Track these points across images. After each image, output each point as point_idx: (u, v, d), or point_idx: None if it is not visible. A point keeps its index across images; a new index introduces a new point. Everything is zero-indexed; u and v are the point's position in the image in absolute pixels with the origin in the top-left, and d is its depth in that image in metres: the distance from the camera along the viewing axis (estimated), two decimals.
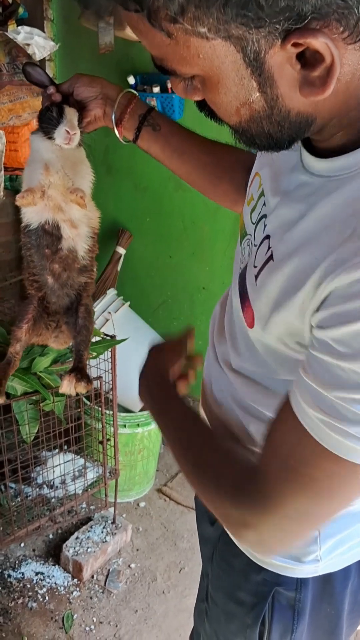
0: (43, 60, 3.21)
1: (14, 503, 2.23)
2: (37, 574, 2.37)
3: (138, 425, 2.57)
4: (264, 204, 0.84)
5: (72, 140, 1.03)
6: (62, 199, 1.08)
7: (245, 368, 0.90)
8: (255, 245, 0.83)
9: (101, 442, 2.35)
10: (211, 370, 1.03)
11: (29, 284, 1.20)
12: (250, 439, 0.93)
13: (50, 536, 2.55)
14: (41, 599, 2.27)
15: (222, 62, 0.61)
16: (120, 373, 2.28)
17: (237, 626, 1.05)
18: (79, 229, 1.14)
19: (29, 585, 2.32)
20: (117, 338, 2.19)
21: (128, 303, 2.80)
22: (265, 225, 0.81)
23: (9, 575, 2.35)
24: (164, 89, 2.95)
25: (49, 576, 2.37)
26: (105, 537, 2.44)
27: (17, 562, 2.41)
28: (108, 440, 2.34)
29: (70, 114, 1.02)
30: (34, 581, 2.34)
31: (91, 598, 2.31)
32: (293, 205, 0.75)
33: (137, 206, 3.43)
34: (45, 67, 3.28)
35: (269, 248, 0.77)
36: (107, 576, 2.40)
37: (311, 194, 0.73)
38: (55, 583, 2.34)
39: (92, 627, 2.19)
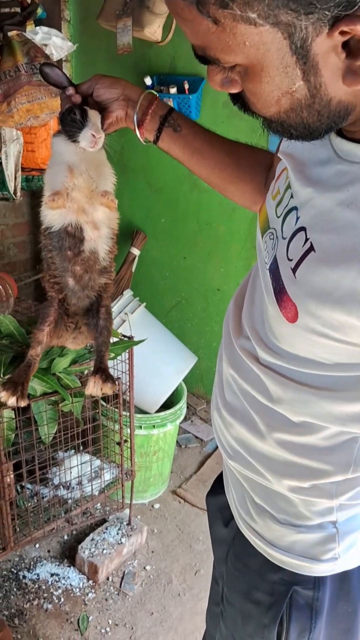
0: (60, 61, 3.21)
1: (30, 504, 2.23)
2: (52, 575, 2.37)
3: (154, 426, 2.56)
4: (292, 197, 0.83)
5: (97, 144, 1.03)
6: (85, 201, 1.08)
7: (274, 363, 0.89)
8: (284, 239, 0.82)
9: (118, 444, 2.34)
10: (234, 365, 0.99)
11: (49, 286, 1.19)
12: (270, 427, 0.92)
13: (65, 537, 2.54)
14: (56, 601, 2.26)
15: (267, 49, 0.62)
16: (136, 374, 2.27)
17: (254, 627, 1.04)
18: (100, 231, 1.13)
19: (44, 587, 2.31)
20: (135, 339, 2.18)
21: (144, 304, 2.80)
22: (298, 217, 0.80)
23: (24, 577, 2.34)
24: (180, 90, 2.94)
25: (64, 577, 2.36)
26: (120, 539, 2.43)
27: (32, 563, 2.41)
28: (125, 441, 2.34)
29: (95, 117, 1.02)
30: (49, 582, 2.33)
31: (106, 600, 2.30)
32: (332, 195, 0.74)
33: (152, 207, 3.43)
34: (62, 67, 3.28)
35: (307, 239, 0.76)
36: (122, 578, 2.39)
37: (351, 181, 0.72)
38: (70, 584, 2.33)
39: (108, 629, 2.18)
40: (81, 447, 2.30)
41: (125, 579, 2.39)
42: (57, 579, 2.35)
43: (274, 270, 0.83)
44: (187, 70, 3.03)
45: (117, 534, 2.45)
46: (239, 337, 0.98)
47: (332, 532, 0.92)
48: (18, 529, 2.12)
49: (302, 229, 0.78)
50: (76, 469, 2.35)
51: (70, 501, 2.33)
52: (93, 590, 2.32)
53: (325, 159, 0.78)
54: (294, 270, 0.78)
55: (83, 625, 2.18)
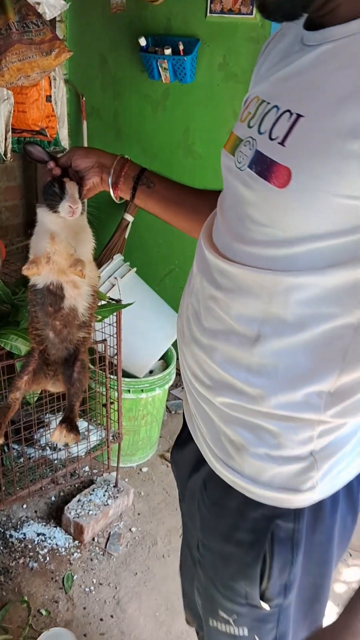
0: (53, 20, 3.15)
1: (16, 464, 2.24)
2: (38, 535, 2.39)
3: (142, 390, 2.57)
4: (268, 104, 0.89)
5: (75, 213, 1.13)
6: (65, 264, 1.18)
7: (259, 256, 0.88)
8: (263, 132, 0.86)
9: (105, 406, 2.35)
10: (215, 283, 0.97)
11: (31, 337, 1.29)
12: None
13: (52, 498, 2.56)
14: (42, 560, 2.29)
15: None
16: (125, 338, 2.27)
17: (235, 568, 1.05)
18: (80, 289, 1.24)
19: (30, 546, 2.34)
20: (123, 303, 2.17)
21: (134, 269, 2.78)
22: (278, 108, 0.85)
23: (11, 536, 2.37)
24: (175, 51, 2.89)
25: (50, 537, 2.39)
26: (107, 501, 2.45)
27: (19, 523, 2.43)
28: (112, 403, 2.34)
29: (72, 188, 1.13)
30: (35, 542, 2.36)
31: (91, 560, 2.33)
32: (305, 69, 0.84)
33: None
34: (56, 27, 3.22)
35: (292, 114, 0.81)
36: (107, 539, 2.42)
37: (326, 58, 0.81)
38: (56, 544, 2.36)
39: (92, 588, 2.21)
40: None
41: (111, 539, 2.41)
42: (43, 539, 2.38)
43: (256, 160, 0.86)
44: (183, 32, 2.98)
45: (104, 495, 2.47)
46: (215, 253, 0.97)
47: (310, 461, 0.93)
48: (4, 488, 2.14)
49: (286, 111, 0.83)
50: None
51: (56, 462, 2.35)
52: (78, 550, 2.35)
53: (294, 56, 0.89)
54: (282, 142, 0.81)
55: (67, 584, 2.20)
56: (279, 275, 0.85)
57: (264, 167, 0.84)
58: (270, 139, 0.84)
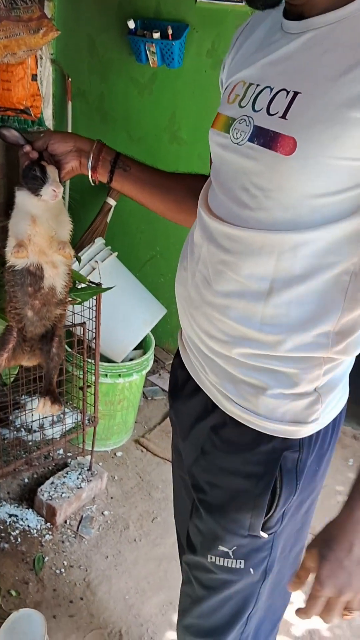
0: (43, 0, 3.11)
1: None
2: (10, 516, 2.39)
3: (119, 375, 2.57)
4: (257, 86, 0.99)
5: (58, 196, 1.17)
6: (46, 245, 1.21)
7: (268, 219, 0.96)
8: (259, 110, 0.96)
9: (81, 389, 2.34)
10: (223, 248, 1.05)
11: (10, 317, 1.32)
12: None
13: (26, 480, 2.56)
14: (13, 541, 2.29)
15: None
16: (104, 322, 2.26)
17: (244, 500, 1.14)
18: (58, 269, 1.27)
19: (1, 527, 2.33)
20: (103, 287, 2.16)
21: (116, 253, 2.77)
22: (272, 89, 0.95)
23: None
24: (164, 35, 2.86)
25: (22, 519, 2.38)
26: (80, 484, 2.45)
27: None
28: (88, 387, 2.34)
29: (53, 172, 1.16)
30: (7, 523, 2.35)
31: (63, 542, 2.33)
32: (295, 57, 0.94)
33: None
34: (44, 6, 3.17)
35: (288, 92, 0.92)
36: (80, 522, 2.42)
37: (311, 45, 0.92)
38: (28, 526, 2.36)
39: (62, 570, 2.22)
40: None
41: (83, 522, 2.42)
42: (15, 520, 2.37)
43: (257, 134, 0.95)
44: (172, 16, 2.95)
45: (78, 478, 2.47)
46: (220, 220, 1.04)
47: (315, 396, 1.06)
48: None
49: (281, 90, 0.93)
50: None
51: (31, 444, 2.34)
52: (50, 533, 2.35)
53: (276, 43, 0.99)
54: (283, 116, 0.91)
55: (38, 565, 2.21)
56: (287, 234, 0.94)
57: (267, 138, 0.93)
58: (269, 114, 0.94)
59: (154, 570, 2.27)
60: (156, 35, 2.87)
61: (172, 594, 2.18)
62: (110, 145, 1.26)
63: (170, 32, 2.84)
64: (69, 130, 3.51)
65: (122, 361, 2.72)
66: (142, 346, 2.84)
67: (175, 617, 2.08)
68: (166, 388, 3.34)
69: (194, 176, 1.32)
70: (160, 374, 3.49)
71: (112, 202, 3.37)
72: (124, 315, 2.67)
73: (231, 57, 1.16)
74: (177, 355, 1.33)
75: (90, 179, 1.26)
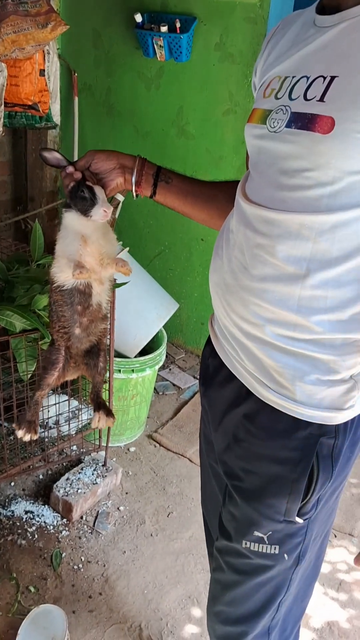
0: None
1: (7, 441, 2.23)
2: (27, 512, 2.39)
3: (132, 371, 2.57)
4: (293, 77, 1.01)
5: (107, 216, 1.20)
6: (96, 263, 1.24)
7: (310, 198, 0.98)
8: (296, 98, 0.98)
9: None
10: (261, 230, 1.06)
11: (58, 336, 1.35)
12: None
13: (41, 477, 2.56)
14: (30, 537, 2.29)
15: None
16: (117, 318, 2.26)
17: (280, 486, 1.15)
18: (104, 285, 1.31)
19: (18, 523, 2.34)
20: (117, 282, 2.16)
21: (127, 249, 2.76)
22: (308, 78, 0.97)
23: None
24: (172, 29, 2.85)
25: (38, 515, 2.38)
26: (95, 479, 2.46)
27: (7, 500, 2.43)
28: (104, 383, 2.34)
29: (101, 192, 1.19)
30: (24, 519, 2.36)
31: (80, 538, 2.33)
32: (331, 45, 0.97)
33: (138, 151, 3.32)
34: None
35: (325, 78, 0.94)
36: (96, 517, 2.43)
37: (347, 32, 0.95)
38: (44, 522, 2.36)
39: (80, 565, 2.22)
40: (59, 388, 2.30)
41: (99, 518, 2.42)
42: (32, 517, 2.37)
43: (294, 119, 0.97)
44: (180, 9, 2.94)
45: (92, 474, 2.48)
46: (257, 205, 1.06)
47: (352, 383, 1.07)
48: None
49: (318, 77, 0.95)
50: (54, 408, 2.35)
51: (46, 440, 2.34)
52: (67, 528, 2.35)
53: (310, 38, 1.02)
54: (321, 99, 0.94)
55: (56, 561, 2.21)
56: (325, 215, 0.96)
57: (305, 121, 0.95)
58: (306, 99, 0.96)
59: (171, 564, 2.28)
60: (164, 29, 2.85)
61: (190, 587, 2.19)
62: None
63: (178, 25, 2.83)
64: (76, 126, 3.50)
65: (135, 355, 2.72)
66: (153, 338, 2.84)
67: (194, 611, 2.10)
68: (177, 383, 3.35)
69: (233, 183, 1.33)
70: (170, 369, 3.49)
71: (120, 197, 3.34)
72: (137, 311, 2.67)
73: (263, 60, 1.18)
74: (208, 344, 1.33)
75: (134, 194, 1.29)
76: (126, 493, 2.59)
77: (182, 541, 2.38)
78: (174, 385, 3.36)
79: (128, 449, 2.85)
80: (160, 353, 2.69)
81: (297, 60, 1.04)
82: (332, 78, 0.94)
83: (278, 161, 1.02)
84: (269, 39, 1.19)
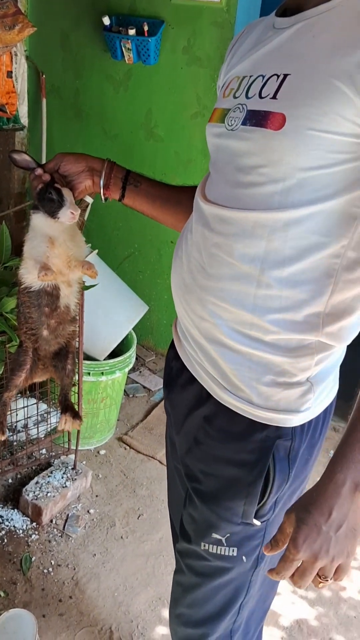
0: None
1: None
2: None
3: (102, 373, 2.56)
4: (250, 77, 1.03)
5: (75, 218, 1.20)
6: (63, 265, 1.25)
7: (262, 195, 0.99)
8: (252, 96, 1.00)
9: None
10: (220, 232, 1.06)
11: (25, 337, 1.35)
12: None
13: (10, 481, 2.54)
14: None
15: None
16: (87, 321, 2.25)
17: (237, 488, 1.16)
18: (73, 287, 1.31)
19: None
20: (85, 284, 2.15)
21: (96, 251, 2.76)
22: (264, 76, 0.99)
23: None
24: (140, 32, 2.86)
25: (7, 519, 2.37)
26: (65, 483, 2.45)
27: None
28: (73, 386, 2.33)
29: (69, 194, 1.19)
30: None
31: (50, 542, 2.32)
32: (286, 45, 0.99)
33: (107, 154, 3.31)
34: (17, 1, 3.14)
35: (279, 76, 0.96)
36: (66, 521, 2.42)
37: (301, 33, 0.98)
38: (14, 526, 2.35)
39: (50, 569, 2.21)
40: (28, 391, 2.29)
41: (69, 521, 2.41)
42: (1, 521, 2.36)
43: (249, 117, 0.99)
44: (148, 13, 2.95)
45: (62, 477, 2.47)
46: (213, 204, 1.07)
47: (308, 385, 1.08)
48: None
49: (272, 75, 0.97)
50: (22, 411, 2.34)
51: (15, 443, 2.33)
52: (36, 532, 2.34)
53: (268, 39, 1.04)
54: (274, 96, 0.95)
55: (26, 566, 2.20)
56: (278, 212, 0.97)
57: (258, 118, 0.97)
58: (261, 97, 0.98)
59: (142, 566, 2.28)
60: (132, 32, 2.86)
61: (161, 589, 2.19)
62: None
63: (146, 28, 2.84)
64: (44, 127, 3.49)
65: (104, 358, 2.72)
66: (123, 341, 2.84)
67: (165, 612, 2.10)
68: (147, 385, 3.36)
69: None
70: (140, 371, 3.49)
71: (89, 199, 3.35)
72: (106, 313, 2.67)
73: (226, 64, 1.20)
74: (171, 347, 1.34)
75: (102, 197, 1.29)
76: (96, 496, 2.58)
77: (153, 543, 2.38)
78: (144, 387, 3.36)
79: (98, 452, 2.84)
80: (130, 355, 2.70)
81: (255, 60, 1.06)
82: (285, 76, 0.96)
83: (235, 158, 1.03)
84: (233, 43, 1.21)
